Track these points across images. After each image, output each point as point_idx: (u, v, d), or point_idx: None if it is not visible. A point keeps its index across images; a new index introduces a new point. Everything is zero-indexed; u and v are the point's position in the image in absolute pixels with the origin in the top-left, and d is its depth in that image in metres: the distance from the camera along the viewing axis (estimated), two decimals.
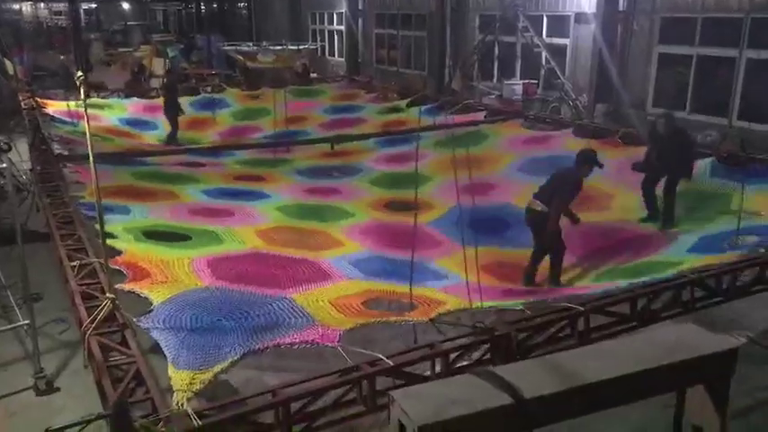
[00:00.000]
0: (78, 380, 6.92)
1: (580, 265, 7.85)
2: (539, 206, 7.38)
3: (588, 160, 7.55)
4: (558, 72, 16.68)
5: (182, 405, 3.73)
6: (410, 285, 5.54)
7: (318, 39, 29.26)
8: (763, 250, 6.57)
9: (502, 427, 3.31)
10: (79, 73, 4.87)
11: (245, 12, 35.65)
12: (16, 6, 35.62)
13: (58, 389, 6.85)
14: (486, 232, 8.63)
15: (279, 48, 24.06)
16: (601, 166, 7.65)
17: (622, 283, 6.13)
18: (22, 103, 14.99)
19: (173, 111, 14.88)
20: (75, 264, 5.83)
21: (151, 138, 14.97)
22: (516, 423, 3.32)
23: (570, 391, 3.41)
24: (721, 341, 3.96)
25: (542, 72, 17.58)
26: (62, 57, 24.41)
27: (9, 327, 7.53)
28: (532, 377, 3.47)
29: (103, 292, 5.22)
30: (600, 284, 6.69)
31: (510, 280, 7.43)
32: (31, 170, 10.85)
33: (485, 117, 13.78)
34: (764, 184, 8.52)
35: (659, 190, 8.73)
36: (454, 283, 5.91)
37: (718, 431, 3.86)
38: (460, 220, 5.70)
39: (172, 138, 14.69)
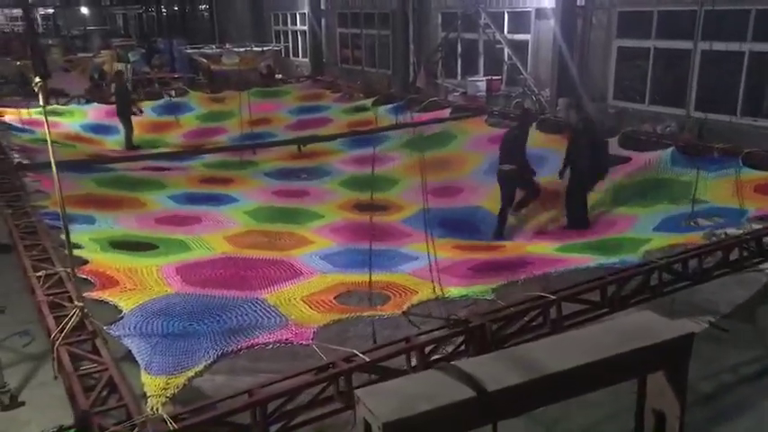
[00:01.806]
0: (44, 392, 6.76)
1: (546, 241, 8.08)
2: (507, 167, 8.97)
3: (527, 116, 9.96)
4: (521, 67, 16.89)
5: (156, 410, 3.70)
6: (369, 274, 5.55)
7: (282, 39, 29.09)
8: (723, 233, 6.79)
9: (467, 421, 3.33)
10: (37, 79, 4.77)
11: (206, 14, 35.21)
12: None
13: (22, 403, 6.68)
14: (458, 230, 8.79)
15: (242, 50, 23.86)
16: (536, 119, 9.73)
17: (592, 263, 6.25)
18: None
19: (125, 113, 14.68)
20: (40, 274, 5.71)
21: (113, 143, 14.73)
22: (481, 415, 3.35)
23: (532, 382, 3.44)
24: (678, 326, 4.06)
25: (505, 68, 17.77)
26: (18, 63, 23.80)
27: None
28: (495, 370, 3.49)
29: (71, 302, 5.13)
30: (566, 255, 6.82)
31: (479, 253, 7.58)
32: None
33: (450, 114, 13.89)
34: (721, 170, 8.81)
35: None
36: (425, 265, 5.95)
37: (679, 415, 3.94)
38: (426, 218, 5.82)
39: (128, 139, 14.49)
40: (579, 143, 8.89)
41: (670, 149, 9.68)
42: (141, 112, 15.52)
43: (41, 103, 4.71)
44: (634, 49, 14.49)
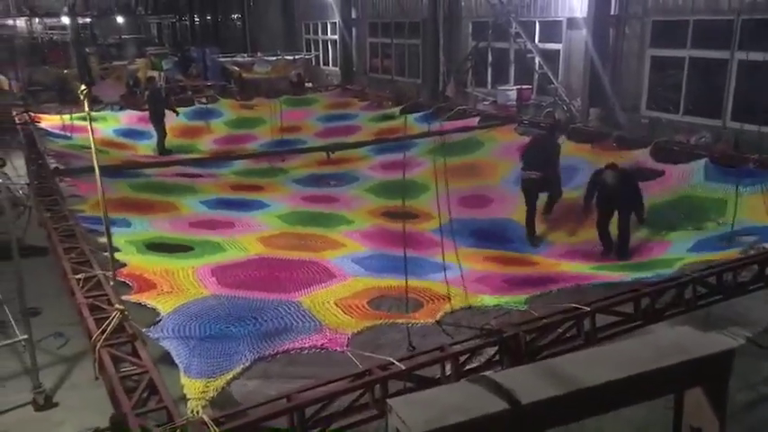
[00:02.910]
0: (77, 394, 6.92)
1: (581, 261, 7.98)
2: (533, 174, 9.17)
3: (557, 128, 10.26)
4: (552, 77, 16.80)
5: (197, 413, 3.75)
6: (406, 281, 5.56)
7: (312, 48, 29.35)
8: (761, 247, 6.66)
9: None
10: (83, 86, 4.90)
11: (239, 23, 35.68)
12: (10, 22, 35.53)
13: (56, 404, 6.84)
14: (490, 240, 8.77)
15: (274, 58, 24.13)
16: (565, 130, 9.87)
17: (627, 277, 6.19)
18: (16, 119, 14.97)
19: (158, 119, 15.00)
20: (80, 276, 5.82)
21: (145, 148, 15.02)
22: (513, 429, 3.32)
23: (567, 396, 3.40)
24: (718, 342, 3.96)
25: (536, 77, 17.69)
26: (65, 71, 24.39)
27: (7, 342, 7.51)
28: (529, 382, 3.46)
29: (110, 304, 5.22)
30: (601, 273, 6.76)
31: (512, 267, 7.54)
32: (28, 185, 10.84)
33: (478, 123, 13.87)
34: (758, 185, 8.55)
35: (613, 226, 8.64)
36: (457, 275, 5.95)
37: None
38: (457, 228, 5.81)
39: (160, 144, 14.76)
40: (617, 195, 8.44)
41: (703, 161, 9.50)
42: (177, 113, 15.77)
43: (86, 109, 4.82)
44: (668, 58, 14.32)
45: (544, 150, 9.42)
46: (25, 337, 7.03)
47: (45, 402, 6.80)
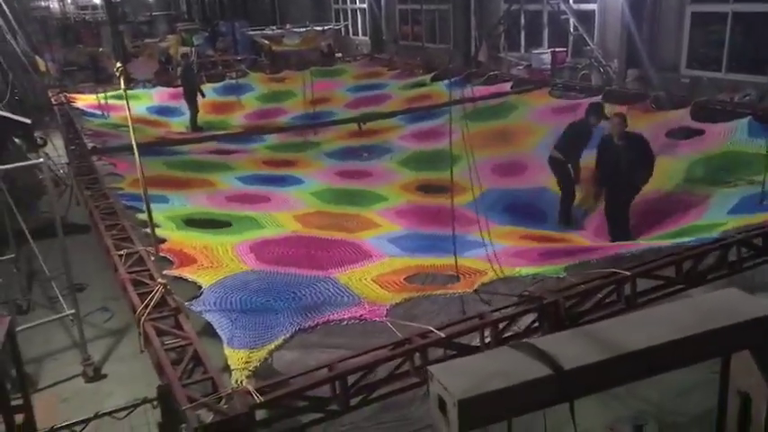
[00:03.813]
0: (124, 366, 7.18)
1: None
2: (555, 154, 9.16)
3: (594, 112, 9.14)
4: (587, 38, 16.33)
5: (241, 383, 3.82)
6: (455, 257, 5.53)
7: (342, 18, 29.07)
8: None
9: (543, 399, 3.28)
10: (118, 64, 4.94)
11: None
12: (43, 4, 36.03)
13: (105, 375, 7.13)
14: (526, 216, 8.66)
15: (303, 30, 23.95)
16: (607, 118, 8.92)
17: (666, 245, 6.04)
18: (53, 99, 15.23)
19: (191, 96, 15.15)
20: (122, 252, 5.95)
21: (178, 124, 15.17)
22: (556, 394, 3.29)
23: (610, 361, 3.34)
24: (766, 305, 3.87)
25: (571, 39, 17.22)
26: (100, 49, 24.71)
27: (56, 317, 7.79)
28: (571, 348, 3.41)
29: (152, 279, 5.33)
30: (641, 244, 6.63)
31: (548, 243, 7.45)
32: (68, 164, 11.07)
33: (511, 87, 13.61)
34: None
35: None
36: (493, 251, 5.89)
37: (765, 396, 3.78)
38: (491, 201, 5.71)
39: (193, 121, 14.90)
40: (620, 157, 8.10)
41: (747, 119, 9.12)
42: (203, 95, 15.89)
43: (122, 87, 4.86)
44: (709, 14, 13.77)
45: (579, 137, 9.13)
46: (73, 311, 7.29)
47: (94, 374, 7.07)
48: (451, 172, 5.75)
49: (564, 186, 9.04)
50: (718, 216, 7.16)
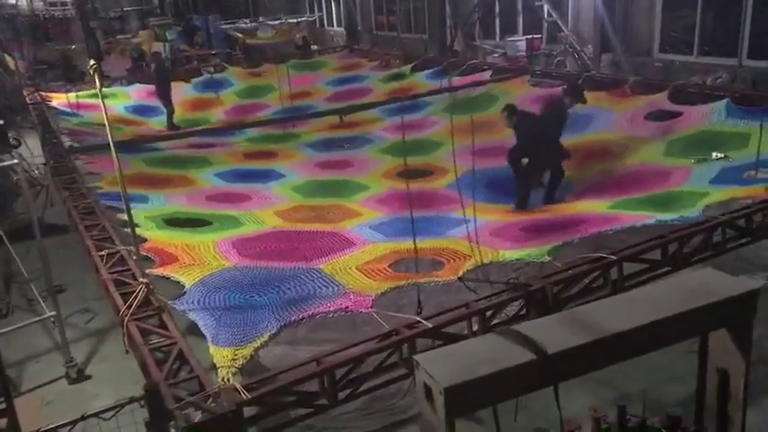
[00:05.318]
0: (108, 366, 7.11)
1: (595, 197, 7.90)
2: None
3: (571, 92, 9.18)
4: (561, 24, 16.41)
5: (227, 380, 3.79)
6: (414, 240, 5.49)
7: (316, 9, 28.89)
8: None
9: (528, 384, 3.30)
10: (92, 62, 4.84)
11: None
12: (11, 1, 35.23)
13: (89, 376, 7.05)
14: (506, 193, 8.68)
15: (277, 22, 23.78)
16: (585, 101, 9.15)
17: (650, 220, 6.10)
18: (28, 98, 14.96)
19: (165, 94, 14.81)
20: (103, 253, 5.86)
21: (156, 123, 14.91)
22: (541, 378, 3.33)
23: (593, 344, 3.37)
24: (741, 284, 3.90)
25: (545, 26, 17.31)
26: (72, 47, 24.24)
27: (36, 319, 7.68)
28: (555, 331, 3.43)
29: (134, 279, 5.25)
30: (621, 213, 6.68)
31: (529, 215, 7.54)
32: (44, 164, 10.88)
33: (490, 76, 13.63)
34: None
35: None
36: (475, 228, 5.92)
37: (743, 373, 3.85)
38: (471, 180, 5.75)
39: (169, 120, 14.69)
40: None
41: (724, 101, 9.27)
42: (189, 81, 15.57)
43: (97, 85, 4.77)
44: None
45: (552, 113, 8.74)
46: (54, 313, 7.19)
47: (78, 376, 6.99)
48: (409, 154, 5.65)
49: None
50: (699, 184, 7.31)
